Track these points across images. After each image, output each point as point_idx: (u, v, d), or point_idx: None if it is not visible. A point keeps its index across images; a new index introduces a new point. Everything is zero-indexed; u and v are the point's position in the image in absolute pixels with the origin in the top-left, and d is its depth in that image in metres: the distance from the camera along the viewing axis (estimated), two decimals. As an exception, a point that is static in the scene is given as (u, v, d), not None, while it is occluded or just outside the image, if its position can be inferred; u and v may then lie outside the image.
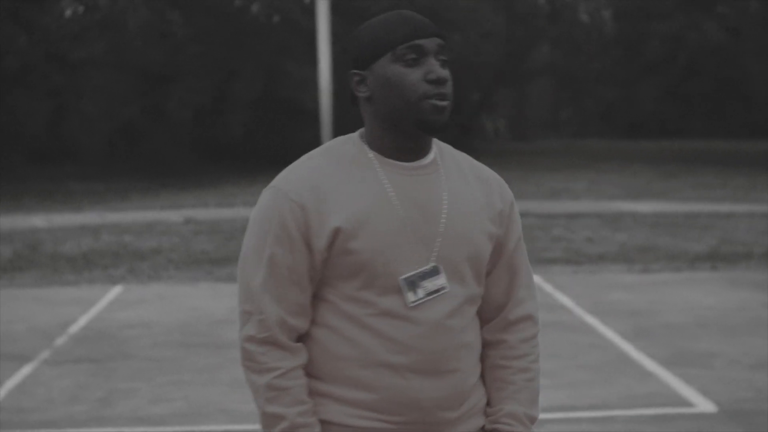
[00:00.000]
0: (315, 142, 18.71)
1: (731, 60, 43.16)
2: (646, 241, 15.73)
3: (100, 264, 14.24)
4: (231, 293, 11.91)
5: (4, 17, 29.55)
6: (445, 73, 2.62)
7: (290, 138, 32.24)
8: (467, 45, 35.16)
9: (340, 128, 22.75)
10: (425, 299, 2.61)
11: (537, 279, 12.50)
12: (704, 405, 7.31)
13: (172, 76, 31.37)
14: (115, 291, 12.21)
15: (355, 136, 2.74)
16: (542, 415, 7.06)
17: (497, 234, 2.74)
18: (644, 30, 44.69)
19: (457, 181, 2.71)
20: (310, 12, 24.97)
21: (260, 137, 32.97)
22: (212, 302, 11.38)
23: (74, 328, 10.11)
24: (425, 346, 2.61)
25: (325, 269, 2.64)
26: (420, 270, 2.61)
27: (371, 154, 2.67)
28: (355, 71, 2.72)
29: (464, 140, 41.79)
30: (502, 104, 54.03)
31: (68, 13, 30.33)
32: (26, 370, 8.54)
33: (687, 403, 7.37)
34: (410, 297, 2.60)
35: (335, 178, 2.64)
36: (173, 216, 19.97)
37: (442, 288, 2.63)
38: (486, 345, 2.80)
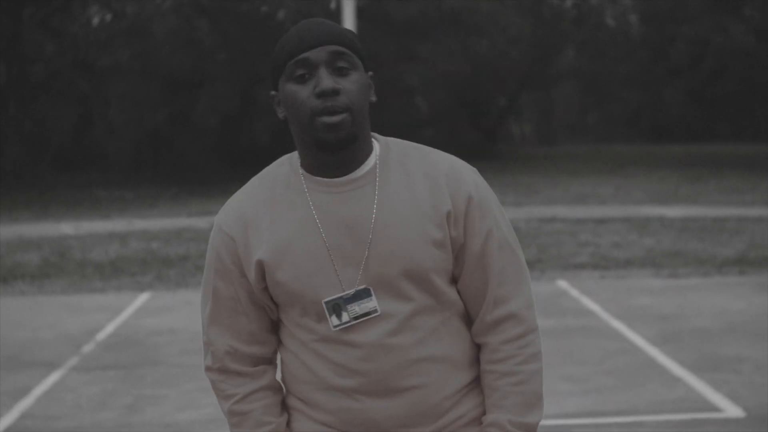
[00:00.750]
0: (341, 148, 18.76)
1: (758, 62, 42.95)
2: (673, 245, 15.68)
3: (127, 271, 14.29)
4: (258, 299, 11.93)
5: (32, 25, 29.71)
6: (332, 83, 2.47)
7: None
8: (493, 49, 35.15)
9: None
10: (352, 323, 2.52)
11: (564, 284, 12.48)
12: (732, 410, 7.27)
13: (198, 82, 31.48)
14: (143, 298, 12.25)
15: (294, 155, 2.67)
16: (569, 421, 7.05)
17: (449, 237, 2.55)
18: (670, 33, 44.55)
19: (395, 189, 2.55)
20: (336, 18, 25.00)
21: (286, 143, 32.69)
22: (239, 309, 11.38)
23: (102, 335, 10.15)
24: (368, 368, 2.54)
25: (271, 296, 2.61)
26: (343, 293, 2.51)
27: (302, 173, 2.60)
28: (272, 92, 2.65)
29: (490, 145, 41.78)
30: (528, 109, 53.99)
31: (95, 20, 30.45)
32: (54, 377, 8.58)
33: (715, 409, 7.33)
34: (333, 321, 2.53)
35: (263, 206, 2.60)
36: (201, 223, 20.01)
37: (373, 311, 2.52)
38: (479, 350, 2.68)
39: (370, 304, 2.52)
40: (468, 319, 2.67)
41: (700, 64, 45.52)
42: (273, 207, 2.58)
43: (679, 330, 9.87)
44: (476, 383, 2.67)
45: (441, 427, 2.61)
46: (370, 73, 2.61)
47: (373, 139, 2.64)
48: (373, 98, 2.60)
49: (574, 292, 11.92)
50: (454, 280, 2.62)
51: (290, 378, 2.67)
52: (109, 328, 10.51)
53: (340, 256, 2.52)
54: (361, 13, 25.69)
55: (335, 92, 2.46)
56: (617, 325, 10.13)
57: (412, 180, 2.57)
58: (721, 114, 48.32)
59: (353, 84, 2.50)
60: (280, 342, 2.69)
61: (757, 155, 36.99)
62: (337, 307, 2.52)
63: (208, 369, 2.71)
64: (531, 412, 2.60)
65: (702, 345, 9.25)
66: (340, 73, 2.50)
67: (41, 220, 21.44)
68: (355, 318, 2.51)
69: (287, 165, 2.64)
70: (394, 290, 2.53)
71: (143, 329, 10.41)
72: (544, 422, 6.98)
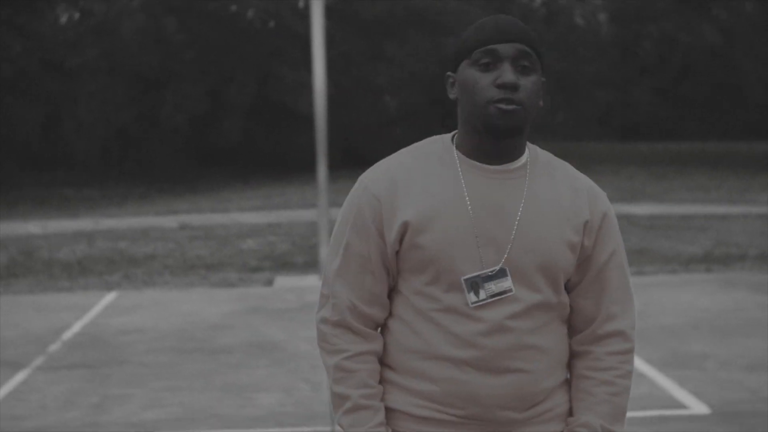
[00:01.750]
0: (308, 146, 18.72)
1: (726, 62, 43.16)
2: (641, 243, 15.74)
3: (95, 270, 14.23)
4: (226, 299, 11.92)
5: (-1, 24, 29.55)
6: (514, 78, 2.62)
7: (285, 143, 32.25)
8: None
9: (334, 132, 22.70)
10: (488, 300, 2.66)
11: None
12: (698, 407, 7.31)
13: (166, 81, 31.36)
14: (110, 297, 12.21)
15: (446, 136, 2.83)
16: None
17: (580, 244, 2.73)
18: (639, 32, 44.71)
19: (543, 189, 2.73)
20: (305, 17, 24.97)
21: (255, 142, 32.97)
22: (207, 308, 11.38)
23: (68, 334, 10.11)
24: (485, 343, 2.66)
25: (399, 262, 2.73)
26: (483, 272, 2.66)
27: (456, 154, 2.75)
28: (448, 73, 2.79)
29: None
30: (497, 107, 53.97)
31: (63, 19, 30.32)
32: (20, 376, 8.54)
33: (681, 405, 7.37)
34: (471, 298, 2.66)
35: (415, 174, 2.73)
36: (168, 222, 19.97)
37: (508, 290, 2.67)
38: (573, 355, 2.83)
39: (506, 283, 2.66)
40: (566, 327, 2.83)
41: (668, 63, 45.70)
42: (424, 176, 2.72)
43: (645, 327, 9.91)
44: (565, 383, 2.83)
45: (530, 416, 2.74)
46: (544, 79, 2.76)
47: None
48: (541, 103, 2.75)
49: (542, 290, 11.94)
50: (567, 287, 2.79)
51: (395, 347, 2.77)
52: (76, 327, 10.47)
53: (484, 236, 2.67)
54: (329, 13, 25.66)
55: (515, 87, 2.63)
56: (584, 322, 10.15)
57: (557, 185, 2.76)
58: (689, 113, 48.50)
59: (531, 84, 2.67)
60: (390, 312, 2.80)
61: (724, 154, 37.21)
62: (475, 285, 2.65)
63: (324, 321, 2.79)
64: (618, 422, 2.77)
65: (668, 342, 9.30)
66: (522, 71, 2.66)
67: (8, 220, 21.32)
68: (492, 296, 2.66)
69: (440, 144, 2.81)
70: (526, 279, 2.68)
71: (110, 328, 10.38)
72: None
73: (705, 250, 14.93)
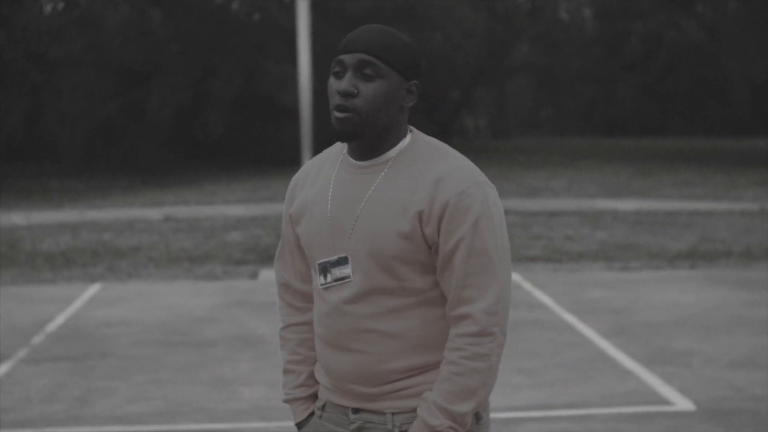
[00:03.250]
0: (294, 140, 18.69)
1: (710, 58, 43.26)
2: (626, 239, 15.76)
3: (79, 262, 14.18)
4: (211, 291, 11.88)
5: (-17, 15, 29.42)
6: (346, 86, 2.85)
7: (269, 136, 32.22)
8: (447, 43, 35.16)
9: (320, 126, 22.65)
10: (333, 284, 2.96)
11: (516, 277, 12.50)
12: (683, 403, 7.31)
13: (151, 74, 31.29)
14: (94, 289, 12.16)
15: None
16: (521, 414, 7.06)
17: (419, 232, 2.87)
18: (624, 28, 44.77)
19: (392, 182, 2.92)
20: (290, 10, 24.93)
21: (240, 135, 32.93)
22: (192, 300, 11.34)
23: (52, 327, 10.07)
24: (329, 323, 2.98)
25: None
26: (329, 258, 2.97)
27: (344, 153, 3.04)
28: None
29: (444, 138, 41.80)
30: (482, 102, 54.05)
31: (47, 10, 30.21)
32: (3, 369, 8.49)
33: (666, 402, 7.37)
34: (320, 280, 2.99)
35: (312, 171, 3.11)
36: (153, 214, 19.91)
37: (347, 277, 2.94)
38: None
39: (346, 270, 2.95)
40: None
41: (653, 60, 45.79)
42: (315, 174, 3.09)
43: (631, 323, 9.91)
44: (437, 366, 2.96)
45: (384, 392, 2.96)
46: (415, 81, 2.95)
47: (408, 136, 3.00)
48: (409, 103, 2.95)
49: (527, 285, 11.95)
50: (435, 272, 2.94)
51: None
52: (60, 319, 10.43)
53: (335, 226, 2.96)
54: (315, 8, 25.62)
55: (350, 94, 2.86)
56: (569, 318, 10.16)
57: (411, 177, 2.92)
58: (673, 109, 48.64)
59: (371, 90, 2.87)
60: None
61: (709, 150, 37.27)
62: (324, 269, 2.98)
63: (277, 296, 3.26)
64: (459, 402, 2.87)
65: (653, 338, 9.30)
66: (364, 78, 2.88)
67: (-9, 211, 21.24)
68: (335, 280, 2.96)
69: (342, 144, 3.09)
70: (361, 265, 2.92)
71: (94, 321, 10.33)
72: (496, 415, 6.99)
73: (690, 246, 14.95)
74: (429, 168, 2.91)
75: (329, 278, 2.97)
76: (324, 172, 3.05)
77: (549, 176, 28.01)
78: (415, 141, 2.98)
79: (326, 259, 2.97)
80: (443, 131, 43.45)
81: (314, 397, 3.17)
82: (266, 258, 14.29)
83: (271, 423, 7.04)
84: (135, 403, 7.50)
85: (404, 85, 2.92)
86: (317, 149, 18.38)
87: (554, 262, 13.71)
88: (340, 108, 2.86)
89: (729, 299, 11.07)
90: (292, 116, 22.41)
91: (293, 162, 19.60)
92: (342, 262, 2.95)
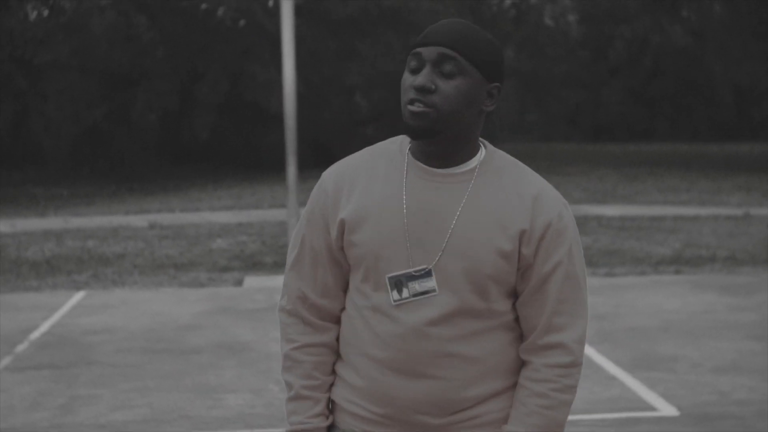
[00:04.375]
0: (279, 145, 18.64)
1: (695, 63, 43.36)
2: (611, 244, 15.78)
3: (63, 269, 14.16)
4: (196, 298, 11.87)
5: (-32, 20, 29.36)
6: (425, 81, 2.64)
7: (255, 141, 32.18)
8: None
9: (305, 132, 22.56)
10: (410, 299, 2.69)
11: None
12: (667, 409, 7.33)
13: (137, 79, 31.23)
14: (79, 296, 12.14)
15: (406, 137, 2.84)
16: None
17: (517, 252, 2.70)
18: (609, 33, 44.85)
19: (485, 195, 2.72)
20: (275, 15, 24.92)
21: (225, 141, 32.88)
22: (177, 308, 11.33)
23: (36, 334, 10.05)
24: (402, 346, 2.69)
25: (346, 257, 2.81)
26: (407, 270, 2.68)
27: (408, 155, 2.78)
28: None
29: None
30: (469, 107, 54.02)
31: (33, 16, 30.14)
32: (-13, 377, 8.48)
33: (650, 407, 7.38)
34: (394, 296, 2.70)
35: (363, 172, 2.79)
36: (138, 221, 19.88)
37: (431, 290, 2.68)
38: (523, 364, 2.82)
39: (430, 283, 2.68)
40: (518, 334, 2.81)
41: (638, 64, 45.88)
42: (371, 176, 2.78)
43: (615, 329, 9.93)
44: (509, 391, 2.80)
45: (452, 422, 2.75)
46: (496, 84, 2.74)
47: (481, 146, 2.82)
48: (489, 107, 2.75)
49: (512, 291, 11.94)
50: (514, 295, 2.77)
51: (342, 339, 2.86)
52: (44, 327, 10.41)
53: (415, 238, 2.70)
54: (300, 11, 25.63)
55: (427, 90, 2.64)
56: (554, 323, 10.15)
57: (502, 191, 2.74)
58: (659, 113, 48.71)
59: (451, 88, 2.66)
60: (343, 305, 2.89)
61: (695, 155, 37.35)
62: (399, 283, 2.69)
63: (281, 310, 2.92)
64: None
65: (637, 344, 9.31)
66: (444, 75, 2.66)
67: (-24, 218, 21.19)
68: (414, 295, 2.69)
69: (397, 144, 2.84)
70: (450, 283, 2.68)
71: (78, 328, 10.31)
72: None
73: (675, 251, 14.98)
74: (520, 184, 2.75)
75: (405, 293, 2.70)
76: (383, 175, 2.77)
77: (535, 181, 27.96)
78: (492, 152, 2.81)
79: (402, 272, 2.70)
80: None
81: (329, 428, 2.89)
82: (251, 265, 14.28)
83: (255, 430, 7.03)
84: (119, 411, 7.49)
85: (486, 87, 2.72)
86: (303, 155, 18.36)
87: (539, 268, 13.70)
88: (416, 102, 2.65)
89: (714, 304, 11.09)
90: (279, 122, 22.41)
91: (280, 167, 19.62)
92: (425, 275, 2.69)
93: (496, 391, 2.78)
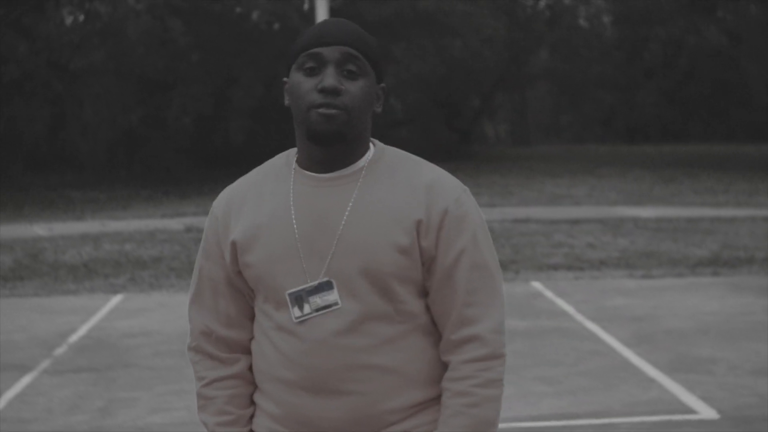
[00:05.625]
0: (315, 149, 18.65)
1: (731, 64, 43.15)
2: (647, 246, 15.71)
3: (101, 273, 14.22)
4: (232, 301, 11.88)
5: (6, 25, 29.56)
6: (335, 82, 2.49)
7: (290, 144, 31.84)
8: (467, 50, 35.15)
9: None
10: (313, 315, 2.52)
11: (538, 285, 12.47)
12: (706, 412, 7.28)
13: (172, 83, 31.38)
14: (116, 300, 12.19)
15: (294, 150, 2.70)
16: (544, 423, 7.04)
17: (417, 246, 2.53)
18: (644, 34, 44.70)
19: (374, 192, 2.56)
20: (309, 19, 24.97)
21: (260, 144, 32.96)
22: (213, 310, 11.33)
23: (74, 338, 10.09)
24: (310, 363, 2.53)
25: (245, 281, 2.65)
26: (306, 285, 2.52)
27: (294, 165, 2.64)
28: (284, 79, 2.66)
29: (465, 145, 41.80)
30: (503, 109, 54.05)
31: (69, 21, 30.33)
32: (26, 380, 8.51)
33: (689, 410, 7.34)
34: (296, 312, 2.53)
35: (250, 192, 2.65)
36: (174, 224, 19.95)
37: (334, 304, 2.51)
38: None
39: (331, 296, 2.51)
40: (438, 338, 2.63)
41: (673, 65, 45.70)
42: (258, 194, 2.63)
43: (653, 331, 9.88)
44: (435, 402, 2.62)
45: None
46: (383, 85, 2.63)
47: (370, 145, 2.65)
48: (378, 109, 2.62)
49: (549, 293, 11.92)
50: (425, 294, 2.59)
51: (255, 367, 2.69)
52: (82, 330, 10.45)
53: (308, 247, 2.53)
54: (334, 14, 25.65)
55: (336, 91, 2.49)
56: (591, 326, 10.13)
57: (394, 186, 2.57)
58: (694, 115, 48.52)
59: (357, 89, 2.52)
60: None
61: (731, 156, 37.15)
62: (299, 299, 2.52)
63: (188, 348, 2.76)
64: None
65: (676, 346, 9.26)
66: (348, 76, 2.52)
67: (14, 222, 21.33)
68: (317, 310, 2.51)
69: (284, 158, 2.69)
70: (350, 288, 2.51)
71: (116, 331, 10.35)
72: (518, 424, 6.97)
73: (712, 253, 14.89)
74: (412, 175, 2.59)
75: (307, 309, 2.52)
76: (269, 190, 2.63)
77: (570, 184, 27.95)
78: (381, 150, 2.65)
79: (300, 288, 2.53)
80: (463, 139, 43.44)
81: None
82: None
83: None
84: (157, 414, 7.50)
85: (376, 88, 2.60)
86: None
87: (576, 270, 13.68)
88: (326, 106, 2.48)
89: (752, 306, 11.02)
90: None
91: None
92: (324, 287, 2.52)
93: (419, 401, 2.59)
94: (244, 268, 2.60)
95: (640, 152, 41.15)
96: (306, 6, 27.78)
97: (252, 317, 2.70)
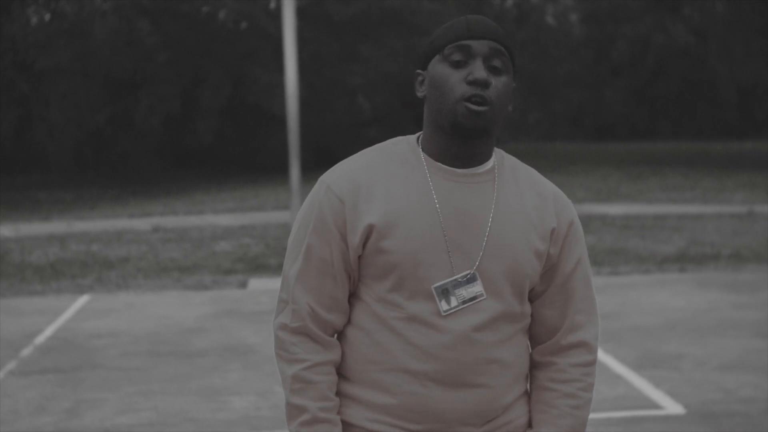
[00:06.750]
0: (282, 147, 18.64)
1: (698, 62, 43.36)
2: (615, 243, 15.76)
3: (67, 273, 14.15)
4: (200, 301, 11.86)
5: (-30, 26, 29.38)
6: (485, 75, 2.51)
7: (258, 144, 32.20)
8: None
9: (308, 134, 22.52)
10: (460, 307, 2.55)
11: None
12: (673, 407, 7.31)
13: (139, 83, 31.25)
14: (83, 300, 12.13)
15: (411, 137, 2.70)
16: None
17: (547, 252, 2.64)
18: (611, 33, 44.85)
19: (510, 194, 2.63)
20: (276, 18, 24.93)
21: (228, 144, 32.91)
22: (181, 311, 11.32)
23: (41, 339, 10.04)
24: (449, 356, 2.56)
25: (361, 266, 2.62)
26: (454, 278, 2.55)
27: (423, 156, 2.63)
28: (418, 71, 2.67)
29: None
30: (471, 108, 54.00)
31: (34, 21, 30.15)
32: (-8, 381, 8.47)
33: (655, 406, 7.37)
34: (443, 306, 2.55)
35: (378, 175, 2.61)
36: (142, 224, 19.88)
37: (480, 295, 2.57)
38: (535, 366, 2.76)
39: (477, 288, 2.56)
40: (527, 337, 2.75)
41: (641, 64, 45.87)
42: (389, 178, 2.60)
43: (620, 327, 9.91)
44: (524, 395, 2.75)
45: (488, 430, 2.66)
46: (514, 84, 2.65)
47: None
48: (511, 108, 2.64)
49: (516, 291, 11.93)
50: (531, 296, 2.71)
51: (352, 357, 2.66)
52: (48, 331, 10.40)
53: (455, 243, 2.56)
54: (301, 14, 25.63)
55: (486, 84, 2.51)
56: (559, 323, 10.14)
57: (522, 190, 2.66)
58: (662, 113, 48.69)
59: (502, 85, 2.55)
60: (348, 320, 2.69)
61: (698, 153, 37.33)
62: (446, 292, 2.55)
63: (282, 327, 2.66)
64: None
65: (643, 342, 9.30)
66: (494, 71, 2.55)
67: (-20, 223, 21.19)
68: (463, 302, 2.55)
69: (405, 144, 2.68)
70: (494, 287, 2.58)
71: (83, 332, 10.31)
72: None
73: (679, 250, 14.96)
74: (535, 183, 2.69)
75: (454, 302, 2.55)
76: (401, 175, 2.60)
77: (538, 181, 27.93)
78: (499, 151, 2.70)
79: (447, 280, 2.55)
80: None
81: None
82: (255, 267, 14.27)
83: (261, 432, 7.03)
84: (125, 415, 7.48)
85: (512, 86, 2.63)
86: (305, 157, 18.36)
87: (544, 268, 13.68)
88: (477, 99, 2.49)
89: (718, 302, 11.08)
90: (281, 124, 22.40)
91: (282, 170, 19.63)
92: (471, 280, 2.55)
93: (519, 394, 2.71)
94: (377, 253, 2.57)
95: (608, 150, 41.27)
96: (272, 5, 27.71)
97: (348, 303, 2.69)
